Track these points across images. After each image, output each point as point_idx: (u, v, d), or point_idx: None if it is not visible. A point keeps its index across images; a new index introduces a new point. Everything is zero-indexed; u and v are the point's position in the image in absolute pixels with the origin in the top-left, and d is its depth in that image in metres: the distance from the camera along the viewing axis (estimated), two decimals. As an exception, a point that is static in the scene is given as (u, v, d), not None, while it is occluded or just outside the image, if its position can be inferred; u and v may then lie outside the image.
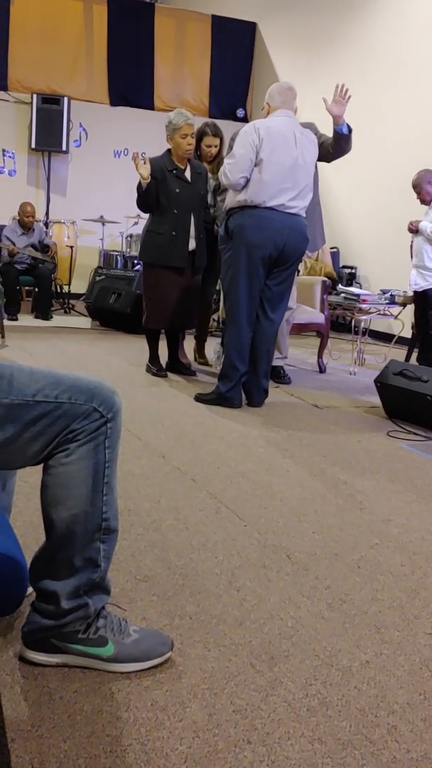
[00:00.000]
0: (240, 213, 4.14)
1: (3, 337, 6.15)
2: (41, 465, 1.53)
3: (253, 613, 1.93)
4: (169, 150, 4.87)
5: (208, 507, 2.67)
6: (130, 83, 9.88)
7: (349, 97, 4.44)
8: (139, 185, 4.71)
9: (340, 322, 8.05)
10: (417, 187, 5.56)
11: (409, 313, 6.08)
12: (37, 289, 7.74)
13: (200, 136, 5.25)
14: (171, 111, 4.93)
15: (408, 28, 7.49)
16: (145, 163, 4.65)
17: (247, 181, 4.08)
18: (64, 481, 1.50)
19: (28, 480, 2.70)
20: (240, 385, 4.31)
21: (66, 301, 8.41)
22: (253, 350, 4.31)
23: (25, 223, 7.74)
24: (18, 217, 7.80)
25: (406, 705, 1.60)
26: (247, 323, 4.24)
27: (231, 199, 4.21)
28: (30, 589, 1.74)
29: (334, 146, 4.62)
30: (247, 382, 4.36)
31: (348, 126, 4.54)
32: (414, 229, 5.56)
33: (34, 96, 9.20)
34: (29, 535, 2.26)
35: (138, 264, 8.00)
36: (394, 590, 2.13)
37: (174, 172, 4.79)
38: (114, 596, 1.91)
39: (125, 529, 2.38)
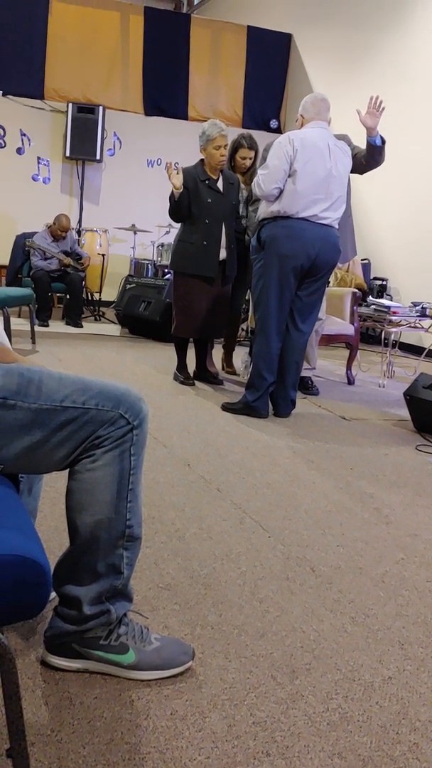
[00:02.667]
0: (273, 223, 4.15)
1: (34, 342, 6.21)
2: (67, 471, 1.54)
3: (275, 625, 1.92)
4: (202, 160, 4.89)
5: (232, 517, 2.67)
6: (165, 93, 9.96)
7: (383, 109, 4.44)
8: (172, 195, 4.74)
9: (370, 334, 8.02)
10: None
11: (439, 326, 6.03)
12: (68, 296, 7.81)
13: (236, 147, 5.28)
14: (205, 121, 4.95)
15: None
16: (178, 173, 4.68)
17: (281, 191, 4.09)
18: (89, 486, 1.51)
19: (53, 485, 2.72)
20: (267, 395, 4.31)
21: (96, 308, 8.47)
22: (282, 361, 4.31)
23: (57, 235, 7.78)
24: (51, 226, 7.84)
25: (428, 722, 1.57)
26: (277, 333, 4.24)
27: (264, 210, 4.22)
28: (53, 594, 1.75)
29: (367, 158, 4.61)
30: (274, 392, 4.36)
31: (381, 138, 4.53)
32: None
33: (70, 105, 9.31)
34: (54, 540, 2.27)
35: (168, 273, 8.04)
36: (418, 606, 2.11)
37: (206, 182, 4.81)
38: (136, 604, 1.92)
39: (149, 537, 2.39)
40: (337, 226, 4.24)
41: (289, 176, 4.06)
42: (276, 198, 4.12)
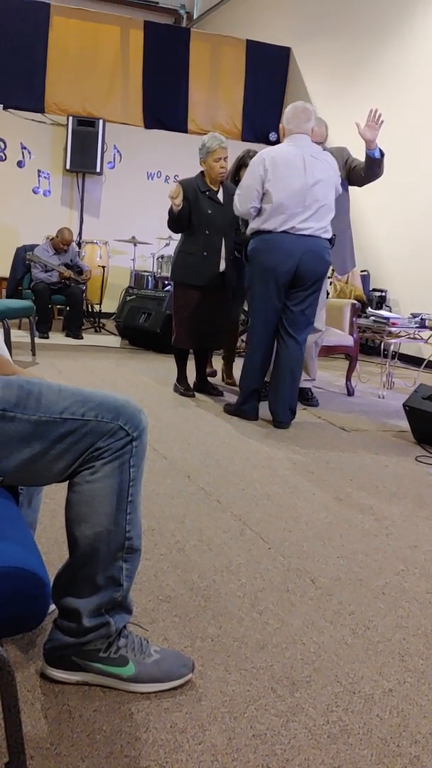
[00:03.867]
0: (256, 237, 4.30)
1: (34, 354, 6.22)
2: (66, 482, 1.54)
3: (275, 637, 1.91)
4: (202, 172, 4.92)
5: (232, 529, 2.67)
6: (165, 106, 10.01)
7: (382, 122, 4.47)
8: (171, 208, 4.76)
9: (370, 345, 8.03)
10: None
11: (439, 337, 6.03)
12: (68, 308, 7.82)
13: (240, 164, 5.30)
14: (204, 134, 4.98)
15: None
16: (177, 197, 4.68)
17: (259, 209, 4.23)
18: (88, 498, 1.51)
19: (53, 497, 2.72)
20: (255, 399, 4.46)
21: (97, 320, 8.49)
22: (278, 372, 4.39)
23: (58, 248, 7.81)
24: (53, 239, 7.85)
25: (429, 735, 1.57)
26: (262, 342, 4.36)
27: (249, 226, 4.37)
28: (53, 606, 1.75)
29: (366, 170, 4.64)
30: (272, 402, 4.42)
31: (380, 150, 4.56)
32: None
33: (70, 118, 9.36)
34: (53, 552, 2.27)
35: (168, 284, 8.05)
36: (419, 617, 2.10)
37: (207, 193, 4.83)
38: (136, 616, 1.91)
39: (149, 549, 2.39)
40: (325, 236, 4.26)
41: (264, 195, 4.19)
42: (255, 216, 4.26)
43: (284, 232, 4.16)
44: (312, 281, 4.26)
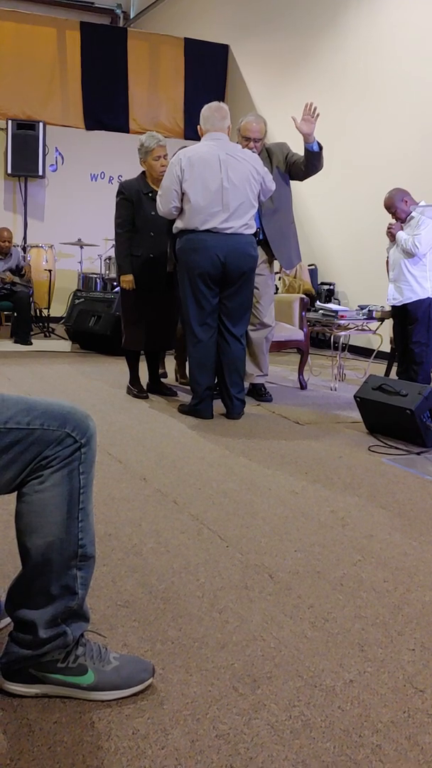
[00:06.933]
0: (182, 238, 4.35)
1: (-18, 362, 6.13)
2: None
3: (236, 635, 1.91)
4: (144, 172, 4.89)
5: (189, 529, 2.66)
6: (105, 107, 9.93)
7: (318, 115, 4.51)
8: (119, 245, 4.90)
9: (320, 339, 8.09)
10: (390, 207, 5.52)
11: (387, 327, 6.11)
12: (15, 314, 7.71)
13: None
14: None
15: (377, 47, 7.60)
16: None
17: (180, 209, 4.28)
18: (38, 508, 1.49)
19: (6, 507, 2.68)
20: (208, 398, 4.46)
21: (45, 324, 8.39)
22: (222, 366, 4.47)
23: (1, 249, 7.70)
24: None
25: (390, 723, 1.58)
26: (203, 338, 4.38)
27: (174, 225, 4.42)
28: (8, 620, 1.72)
29: (306, 164, 4.67)
30: (222, 395, 4.52)
31: (318, 144, 4.59)
32: (393, 234, 5.49)
33: (9, 122, 9.23)
34: (9, 564, 2.24)
35: (117, 286, 8.00)
36: (377, 607, 2.12)
37: (150, 194, 4.81)
38: (94, 623, 1.89)
39: (105, 555, 2.36)
40: (248, 232, 4.33)
41: (183, 194, 4.24)
42: (178, 215, 4.31)
43: (207, 231, 4.22)
44: (240, 276, 4.33)
